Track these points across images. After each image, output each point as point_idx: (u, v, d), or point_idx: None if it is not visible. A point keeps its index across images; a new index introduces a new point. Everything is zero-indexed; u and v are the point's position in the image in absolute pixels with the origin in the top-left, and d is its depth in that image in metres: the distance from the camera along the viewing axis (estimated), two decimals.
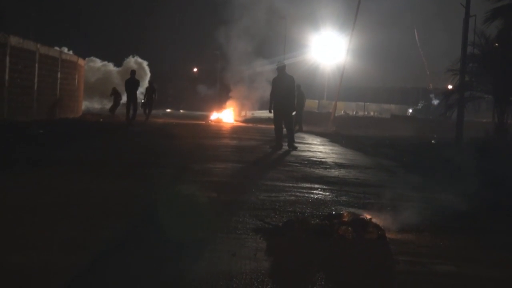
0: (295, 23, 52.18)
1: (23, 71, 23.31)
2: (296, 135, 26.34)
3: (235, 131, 26.24)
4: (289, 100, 17.89)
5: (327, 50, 53.61)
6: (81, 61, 33.03)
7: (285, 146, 17.27)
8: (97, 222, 6.62)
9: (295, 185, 10.20)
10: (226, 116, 38.23)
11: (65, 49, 38.31)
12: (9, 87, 21.94)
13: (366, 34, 51.60)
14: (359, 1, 39.11)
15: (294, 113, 18.79)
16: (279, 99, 17.65)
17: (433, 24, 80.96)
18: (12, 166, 10.82)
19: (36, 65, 24.64)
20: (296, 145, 17.94)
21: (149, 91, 31.88)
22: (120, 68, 47.78)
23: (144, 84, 35.95)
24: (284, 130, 17.91)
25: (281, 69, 18.22)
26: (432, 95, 65.12)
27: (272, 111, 18.02)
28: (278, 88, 17.83)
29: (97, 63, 48.94)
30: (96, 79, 45.86)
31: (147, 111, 31.70)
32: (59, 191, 8.52)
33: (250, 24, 47.68)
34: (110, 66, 48.43)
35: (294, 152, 16.91)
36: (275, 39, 50.43)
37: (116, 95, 35.69)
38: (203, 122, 34.89)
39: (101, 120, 30.65)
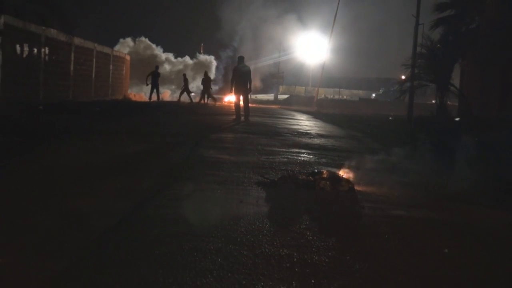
0: (287, 26, 51.87)
1: (84, 64, 23.33)
2: (288, 113, 26.32)
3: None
4: (246, 84, 18.15)
5: (312, 48, 53.18)
6: (127, 57, 32.94)
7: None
8: (137, 177, 6.63)
9: (287, 150, 10.18)
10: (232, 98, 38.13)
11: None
12: (73, 76, 21.97)
13: (342, 35, 51.31)
14: (336, 12, 39.00)
15: (250, 93, 19.07)
16: (239, 82, 17.92)
17: (391, 28, 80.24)
18: (77, 134, 10.84)
19: (94, 59, 24.64)
20: (251, 118, 18.09)
21: (205, 81, 32.02)
22: (195, 61, 45.92)
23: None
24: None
25: (240, 60, 18.50)
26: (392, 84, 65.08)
27: (234, 92, 18.32)
28: (238, 74, 18.05)
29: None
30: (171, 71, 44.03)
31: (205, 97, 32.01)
32: (110, 152, 8.53)
33: (254, 29, 47.54)
34: (187, 59, 46.14)
35: (285, 125, 16.88)
36: (271, 40, 50.11)
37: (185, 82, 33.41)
38: (219, 103, 34.84)
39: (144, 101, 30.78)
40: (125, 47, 41.23)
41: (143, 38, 42.48)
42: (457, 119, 20.86)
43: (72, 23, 20.77)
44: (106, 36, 45.56)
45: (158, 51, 42.26)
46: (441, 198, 6.44)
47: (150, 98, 30.06)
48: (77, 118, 14.53)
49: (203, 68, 41.47)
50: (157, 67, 30.73)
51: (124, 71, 31.14)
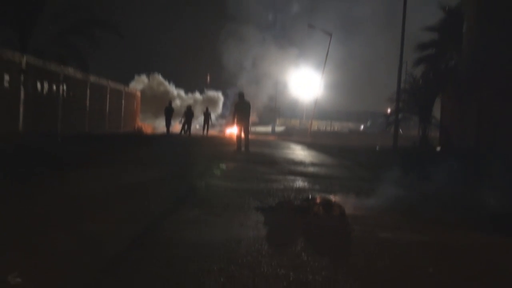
0: (284, 65, 52.31)
1: (98, 99, 23.44)
2: (284, 144, 26.35)
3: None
4: (247, 118, 18.22)
5: (306, 84, 53.50)
6: (138, 93, 33.08)
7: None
8: (147, 203, 6.64)
9: (283, 177, 10.20)
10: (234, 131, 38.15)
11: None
12: (89, 110, 22.08)
13: (333, 72, 51.65)
14: (327, 51, 39.33)
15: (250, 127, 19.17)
16: (240, 116, 17.92)
17: (378, 65, 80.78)
18: (92, 164, 10.87)
19: (108, 95, 24.77)
20: (250, 149, 18.01)
21: (205, 114, 32.49)
22: (203, 96, 45.82)
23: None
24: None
25: (241, 96, 18.55)
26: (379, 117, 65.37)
27: (236, 125, 18.27)
28: (239, 109, 18.12)
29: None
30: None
31: (205, 129, 32.35)
32: (122, 180, 8.54)
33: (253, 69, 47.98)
34: (196, 95, 45.99)
35: (282, 155, 16.92)
36: (269, 78, 50.51)
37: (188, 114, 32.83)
38: (221, 135, 34.94)
39: (151, 133, 30.91)
40: (140, 83, 41.34)
41: (156, 74, 42.64)
42: (438, 149, 20.93)
43: (88, 62, 20.99)
44: (121, 73, 45.89)
45: (170, 87, 42.38)
46: (425, 221, 6.44)
47: (168, 131, 30.49)
48: (92, 149, 14.56)
49: (212, 103, 41.76)
50: (170, 103, 31.05)
51: (135, 106, 31.27)
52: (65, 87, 19.66)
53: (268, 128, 52.55)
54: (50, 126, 18.17)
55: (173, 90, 42.46)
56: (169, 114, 30.37)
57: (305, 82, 53.94)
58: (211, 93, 45.27)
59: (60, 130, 18.83)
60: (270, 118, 55.89)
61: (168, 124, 30.49)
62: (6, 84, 15.46)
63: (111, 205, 6.37)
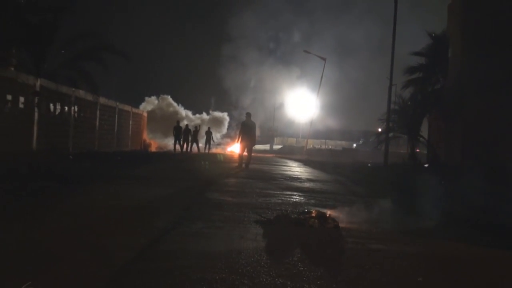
0: (281, 88, 52.55)
1: (107, 119, 23.47)
2: (282, 161, 26.34)
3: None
4: (252, 137, 18.21)
5: (302, 105, 53.70)
6: (144, 113, 33.09)
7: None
8: (152, 216, 6.63)
9: (281, 192, 10.19)
10: (237, 148, 38.07)
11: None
12: (98, 130, 22.11)
13: (327, 94, 51.81)
14: (322, 74, 39.50)
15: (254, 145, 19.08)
16: (245, 135, 17.93)
17: (370, 87, 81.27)
18: (101, 180, 10.85)
19: (116, 115, 24.79)
20: (251, 166, 18.07)
21: (206, 133, 32.75)
22: (210, 117, 45.71)
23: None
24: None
25: (248, 116, 18.53)
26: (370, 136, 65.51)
27: (240, 143, 18.24)
28: (245, 128, 18.08)
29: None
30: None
31: (207, 147, 32.53)
32: (129, 195, 8.52)
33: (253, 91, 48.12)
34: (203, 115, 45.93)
35: (280, 171, 16.90)
36: (268, 99, 50.74)
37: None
38: (223, 152, 34.96)
39: (158, 151, 30.94)
40: (150, 104, 41.31)
41: (165, 96, 42.62)
42: (426, 165, 20.92)
43: (98, 85, 21.05)
44: (133, 95, 46.07)
45: (179, 108, 42.31)
46: (413, 233, 6.42)
47: (182, 148, 30.59)
48: (101, 166, 14.55)
49: (217, 123, 41.80)
50: (178, 122, 31.20)
51: (141, 126, 31.29)
52: (76, 108, 19.71)
53: (267, 146, 52.60)
54: (62, 144, 18.18)
55: (182, 111, 42.38)
56: (177, 132, 30.66)
57: (301, 103, 54.14)
58: (217, 114, 45.19)
59: (71, 148, 18.83)
60: (268, 137, 56.07)
61: (175, 143, 30.71)
62: (21, 106, 15.51)
63: (118, 219, 6.35)
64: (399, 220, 7.50)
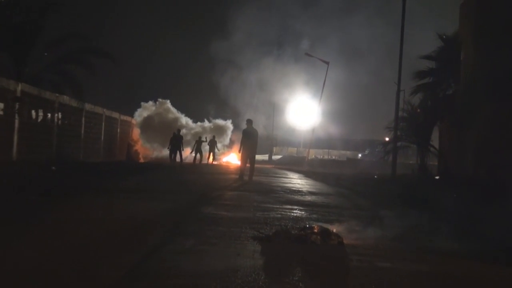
0: (279, 93, 52.56)
1: (94, 127, 23.49)
2: (282, 172, 26.35)
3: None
4: (254, 146, 18.04)
5: (303, 112, 53.72)
6: (133, 121, 33.12)
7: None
8: (142, 232, 6.63)
9: (280, 206, 10.20)
10: (232, 159, 37.96)
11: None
12: (84, 138, 22.11)
13: (330, 100, 51.77)
14: (324, 82, 39.62)
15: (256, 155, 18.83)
16: (248, 145, 17.80)
17: (376, 93, 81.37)
18: (87, 192, 10.85)
19: (103, 123, 24.81)
20: (246, 178, 17.75)
21: (211, 142, 32.97)
22: (211, 125, 45.20)
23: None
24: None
25: (249, 123, 18.32)
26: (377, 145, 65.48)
27: (241, 152, 18.07)
28: (247, 136, 17.93)
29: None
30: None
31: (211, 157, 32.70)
32: (117, 209, 8.53)
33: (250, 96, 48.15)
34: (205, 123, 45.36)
35: (279, 183, 16.91)
36: (264, 106, 50.75)
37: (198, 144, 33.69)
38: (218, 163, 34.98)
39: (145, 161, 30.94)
40: (146, 110, 40.58)
41: (163, 100, 41.90)
42: (436, 177, 20.93)
43: (83, 90, 21.08)
44: (124, 101, 45.95)
45: (179, 115, 41.72)
46: (422, 251, 6.44)
47: (173, 158, 30.60)
48: (87, 178, 14.54)
49: (220, 132, 41.56)
50: (178, 131, 31.23)
51: (130, 134, 31.30)
52: (60, 115, 19.72)
53: (265, 157, 52.61)
54: (44, 154, 18.15)
55: (182, 118, 41.77)
56: (177, 142, 30.61)
57: (303, 110, 54.18)
58: (220, 122, 44.70)
59: (55, 158, 18.82)
60: (267, 146, 55.99)
61: (178, 153, 30.69)
62: (0, 112, 15.51)
63: (105, 234, 6.35)
64: (408, 236, 7.51)
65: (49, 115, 18.93)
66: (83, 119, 22.10)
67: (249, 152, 17.80)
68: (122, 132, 28.66)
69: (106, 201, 9.64)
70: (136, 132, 33.20)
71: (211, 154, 33.14)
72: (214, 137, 34.27)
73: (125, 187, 12.65)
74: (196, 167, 27.12)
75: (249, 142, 17.75)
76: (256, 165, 19.21)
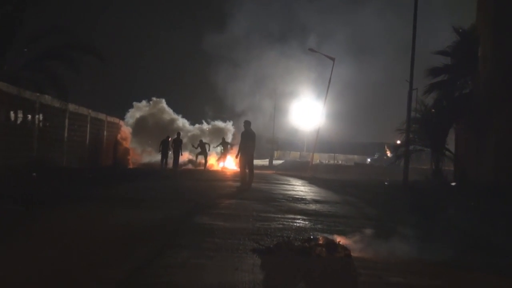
0: (281, 94, 52.58)
1: (78, 130, 23.47)
2: (283, 179, 26.34)
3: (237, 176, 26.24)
4: (251, 150, 18.00)
5: (307, 113, 53.73)
6: (121, 122, 33.05)
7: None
8: (131, 244, 6.63)
9: (282, 216, 10.20)
10: (229, 164, 37.86)
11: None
12: (67, 142, 22.09)
13: (336, 100, 51.74)
14: (330, 80, 39.61)
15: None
16: (246, 149, 17.83)
17: (386, 93, 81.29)
18: (71, 201, 10.85)
19: (88, 125, 24.81)
20: (253, 185, 17.80)
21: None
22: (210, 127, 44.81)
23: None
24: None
25: (247, 124, 18.33)
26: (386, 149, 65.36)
27: (240, 157, 18.01)
28: (245, 139, 17.94)
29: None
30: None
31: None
32: (104, 219, 8.53)
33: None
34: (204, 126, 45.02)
35: (281, 191, 16.90)
36: (265, 107, 50.73)
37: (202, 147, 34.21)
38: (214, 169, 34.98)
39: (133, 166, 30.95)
40: (139, 110, 40.01)
41: (158, 99, 41.33)
42: (452, 183, 20.91)
43: (67, 89, 21.03)
44: (114, 102, 45.80)
45: (175, 115, 41.22)
46: (437, 264, 6.44)
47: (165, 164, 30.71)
48: (71, 185, 14.54)
49: (221, 134, 41.25)
50: (178, 134, 31.29)
51: (118, 137, 31.28)
52: (41, 116, 19.69)
53: (265, 161, 52.54)
54: (24, 159, 18.13)
55: (179, 119, 41.26)
56: (176, 146, 30.77)
57: (306, 110, 54.18)
58: (220, 124, 44.21)
59: (36, 163, 18.79)
60: (267, 150, 55.91)
61: (174, 156, 30.83)
62: None
63: (93, 247, 6.35)
64: (421, 248, 7.50)
65: (29, 116, 18.90)
66: (67, 121, 22.07)
67: (248, 156, 17.77)
68: (109, 135, 28.67)
69: (91, 211, 9.64)
70: (125, 135, 33.17)
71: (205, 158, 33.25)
72: (224, 140, 34.38)
73: (113, 196, 12.65)
74: (194, 173, 27.08)
75: (247, 145, 17.73)
76: (255, 171, 19.21)
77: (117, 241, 6.79)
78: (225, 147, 33.84)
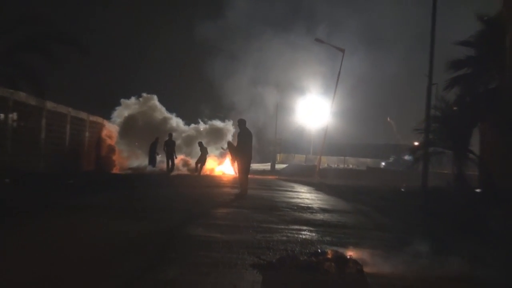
0: (285, 89, 52.56)
1: (56, 130, 23.44)
2: (287, 185, 26.34)
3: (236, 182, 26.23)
4: (247, 152, 17.91)
5: (313, 112, 53.75)
6: (105, 122, 33.02)
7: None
8: (118, 258, 6.62)
9: (286, 227, 10.19)
10: (227, 168, 37.80)
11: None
12: (44, 144, 22.07)
13: (346, 97, 51.75)
14: (339, 74, 39.56)
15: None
16: (242, 151, 17.79)
17: (401, 89, 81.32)
18: (49, 211, 10.83)
19: (68, 125, 24.78)
20: (254, 192, 17.68)
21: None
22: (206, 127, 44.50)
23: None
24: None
25: (242, 123, 18.23)
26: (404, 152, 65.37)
27: (237, 162, 17.95)
28: (242, 141, 17.84)
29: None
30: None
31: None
32: (86, 231, 8.51)
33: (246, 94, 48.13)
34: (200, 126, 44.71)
35: (284, 199, 16.90)
36: (267, 104, 50.68)
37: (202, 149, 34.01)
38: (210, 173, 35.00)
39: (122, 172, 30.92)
40: (128, 109, 39.65)
41: (149, 95, 40.88)
42: (477, 190, 20.88)
43: (44, 85, 20.98)
44: (98, 99, 45.70)
45: (167, 114, 40.89)
46: (460, 281, 6.42)
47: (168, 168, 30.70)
48: (49, 192, 14.53)
49: (218, 135, 41.04)
50: (170, 135, 31.33)
51: (101, 138, 31.27)
52: (15, 116, 19.67)
53: (267, 166, 52.56)
54: None
55: (172, 118, 40.95)
56: (169, 149, 30.85)
57: (313, 108, 54.18)
58: (218, 124, 43.93)
59: (9, 168, 18.77)
60: (269, 153, 55.87)
61: (168, 161, 30.85)
62: None
63: (72, 261, 6.33)
64: (442, 263, 7.48)
65: (2, 115, 18.89)
66: (44, 120, 22.06)
67: (244, 159, 17.69)
68: (91, 136, 28.66)
69: (71, 222, 9.62)
70: (110, 133, 33.16)
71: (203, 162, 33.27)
72: (231, 143, 34.28)
73: (95, 205, 12.63)
74: (189, 179, 27.09)
75: (244, 147, 17.65)
76: (256, 177, 19.23)
77: (101, 256, 6.77)
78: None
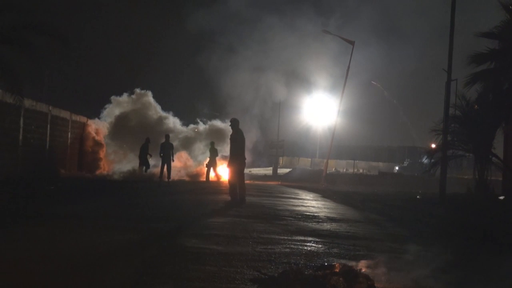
0: (289, 87, 52.50)
1: (36, 131, 23.43)
2: (291, 191, 26.35)
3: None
4: (238, 155, 17.82)
5: (319, 111, 53.82)
6: (89, 121, 32.95)
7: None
8: (105, 273, 6.64)
9: (289, 238, 10.21)
10: (224, 172, 37.78)
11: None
12: (22, 146, 22.07)
13: (355, 96, 51.76)
14: (348, 69, 39.50)
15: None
16: (236, 154, 17.71)
17: (417, 86, 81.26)
18: (28, 220, 10.85)
19: (48, 125, 24.78)
20: (253, 199, 17.52)
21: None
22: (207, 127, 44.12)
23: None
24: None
25: (235, 124, 18.28)
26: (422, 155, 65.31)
27: (231, 166, 17.82)
28: (234, 143, 17.84)
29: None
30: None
31: None
32: (70, 242, 8.53)
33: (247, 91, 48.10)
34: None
35: (288, 206, 16.91)
36: (270, 103, 50.67)
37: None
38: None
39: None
40: (119, 107, 39.31)
41: (142, 91, 40.34)
42: (501, 197, 20.88)
43: (22, 81, 20.94)
44: (86, 97, 45.56)
45: (163, 112, 40.51)
46: None
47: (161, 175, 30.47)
48: (26, 200, 14.54)
49: (219, 136, 40.85)
50: (167, 136, 31.05)
51: (84, 139, 31.23)
52: None
53: (269, 170, 52.57)
54: None
55: (169, 117, 40.65)
56: (167, 152, 30.67)
57: (320, 107, 54.16)
58: (219, 124, 43.65)
59: None
60: (270, 156, 55.83)
61: (162, 167, 30.62)
62: None
63: (52, 276, 6.35)
64: (461, 279, 7.51)
65: None
66: (22, 120, 22.07)
67: (238, 163, 17.61)
68: (74, 137, 28.66)
69: (53, 231, 9.64)
70: (97, 131, 33.11)
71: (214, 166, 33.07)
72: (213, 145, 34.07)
73: (78, 213, 12.65)
74: (185, 184, 27.10)
75: (237, 150, 17.61)
76: (257, 182, 19.23)
77: (85, 268, 6.79)
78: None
